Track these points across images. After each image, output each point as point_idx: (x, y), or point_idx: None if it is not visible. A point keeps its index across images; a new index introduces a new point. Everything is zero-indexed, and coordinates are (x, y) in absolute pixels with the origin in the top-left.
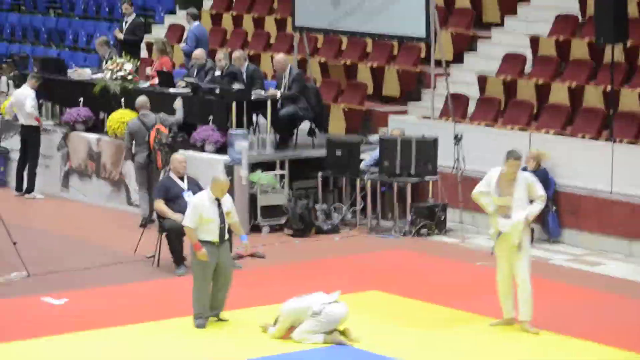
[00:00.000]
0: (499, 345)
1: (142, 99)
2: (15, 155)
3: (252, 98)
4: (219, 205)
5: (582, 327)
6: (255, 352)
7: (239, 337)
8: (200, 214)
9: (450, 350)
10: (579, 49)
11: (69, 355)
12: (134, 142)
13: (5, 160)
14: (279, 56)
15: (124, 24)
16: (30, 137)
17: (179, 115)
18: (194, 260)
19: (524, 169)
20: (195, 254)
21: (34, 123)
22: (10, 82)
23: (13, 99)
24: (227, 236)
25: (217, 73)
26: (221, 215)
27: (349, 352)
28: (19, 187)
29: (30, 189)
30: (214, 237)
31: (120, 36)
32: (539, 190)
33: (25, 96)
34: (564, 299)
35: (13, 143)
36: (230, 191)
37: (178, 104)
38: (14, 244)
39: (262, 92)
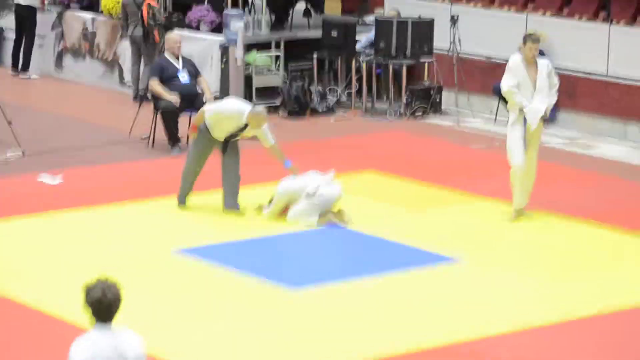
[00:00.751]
0: (494, 224)
1: None
2: (10, 35)
3: None
4: (245, 127)
5: (576, 207)
6: (249, 233)
7: (233, 217)
8: (221, 116)
9: (443, 230)
10: None
11: (65, 232)
12: (128, 18)
13: (0, 39)
14: None
15: None
16: (27, 16)
17: None
18: (192, 141)
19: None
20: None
21: (33, 3)
22: None
23: None
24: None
25: None
26: (239, 130)
27: (342, 233)
28: (14, 66)
29: (25, 68)
30: (220, 137)
31: None
32: (556, 78)
33: None
34: (558, 180)
35: (8, 22)
36: (226, 72)
37: None
38: (9, 123)
39: None
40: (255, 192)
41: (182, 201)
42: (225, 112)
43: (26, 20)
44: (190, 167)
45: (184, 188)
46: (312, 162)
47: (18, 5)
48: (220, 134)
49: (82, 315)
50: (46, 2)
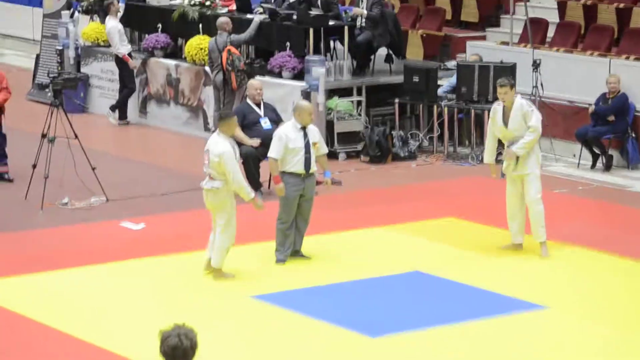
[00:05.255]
0: (577, 271)
1: (222, 19)
2: (95, 82)
3: (329, 24)
4: (305, 135)
5: None
6: (327, 279)
7: (307, 262)
8: (286, 145)
9: (525, 277)
10: None
11: (145, 278)
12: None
13: (85, 86)
14: None
15: None
16: (120, 67)
17: (247, 33)
18: (285, 192)
19: (604, 94)
20: (276, 187)
21: (118, 53)
22: (96, 17)
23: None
24: (313, 168)
25: None
26: (307, 145)
27: (423, 279)
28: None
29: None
30: (300, 168)
31: None
32: (531, 120)
33: (111, 30)
34: (635, 225)
35: (93, 69)
36: None
37: (254, 23)
38: (93, 169)
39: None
40: (333, 238)
41: (284, 260)
42: (281, 138)
43: (120, 69)
44: (284, 218)
45: (283, 242)
46: (392, 208)
47: (115, 56)
48: (294, 164)
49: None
50: (127, 53)
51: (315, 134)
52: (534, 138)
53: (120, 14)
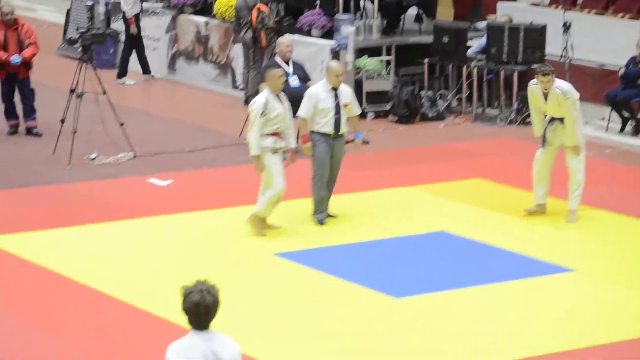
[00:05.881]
0: (603, 234)
1: None
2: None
3: None
4: (336, 95)
5: None
6: (357, 238)
7: (337, 222)
8: (316, 104)
9: (550, 239)
10: None
11: (171, 234)
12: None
13: (115, 42)
14: None
15: None
16: (126, 27)
17: None
18: (312, 149)
19: (634, 57)
20: (303, 146)
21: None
22: None
23: None
24: (343, 129)
25: None
26: (337, 106)
27: (447, 239)
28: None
29: (122, 73)
30: (330, 128)
31: None
32: (568, 108)
33: None
34: None
35: (122, 25)
36: None
37: None
38: (121, 125)
39: None
40: (359, 198)
41: (323, 221)
42: (311, 97)
43: (125, 29)
44: (318, 178)
45: (321, 201)
46: (419, 168)
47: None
48: (324, 125)
49: (179, 315)
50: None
51: (348, 94)
52: (579, 127)
53: None
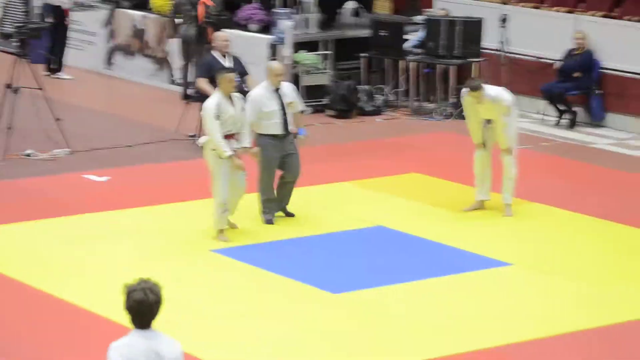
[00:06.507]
0: (536, 227)
1: None
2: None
3: None
4: (279, 96)
5: (625, 212)
6: (293, 233)
7: (275, 218)
8: (260, 108)
9: (486, 234)
10: None
11: (108, 230)
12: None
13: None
14: None
15: None
16: (61, 19)
17: None
18: (259, 153)
19: (570, 51)
20: (250, 150)
21: (61, 3)
22: None
23: None
24: (291, 127)
25: None
26: (282, 106)
27: (385, 233)
28: (48, 67)
29: (58, 69)
30: (277, 130)
31: None
32: (502, 111)
33: None
34: (607, 185)
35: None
36: None
37: None
38: (57, 120)
39: None
40: (297, 192)
41: (271, 220)
42: (254, 100)
43: (58, 22)
44: (265, 179)
45: (269, 202)
46: (356, 163)
47: (48, 5)
48: (270, 127)
49: (120, 314)
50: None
51: (290, 92)
52: (511, 130)
53: None
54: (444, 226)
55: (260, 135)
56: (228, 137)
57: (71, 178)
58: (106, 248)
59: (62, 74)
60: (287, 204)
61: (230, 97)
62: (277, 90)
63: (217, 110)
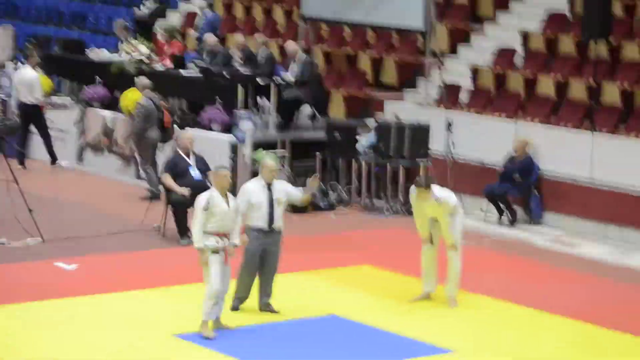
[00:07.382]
0: (484, 319)
1: (147, 80)
2: (34, 129)
3: (261, 83)
4: (269, 190)
5: (562, 306)
6: (250, 321)
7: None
8: (249, 199)
9: (435, 323)
10: (567, 45)
11: (78, 316)
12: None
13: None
14: (291, 43)
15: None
16: (33, 113)
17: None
18: (246, 246)
19: (511, 155)
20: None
21: (37, 101)
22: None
23: (16, 78)
24: (278, 223)
25: (237, 59)
26: (271, 200)
27: (337, 322)
28: (21, 162)
29: (55, 160)
30: (262, 223)
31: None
32: (447, 212)
33: (34, 80)
34: (544, 278)
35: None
36: (234, 169)
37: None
38: (30, 211)
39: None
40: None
41: (237, 307)
42: (245, 191)
43: (32, 117)
44: (244, 270)
45: (240, 292)
46: (312, 255)
47: (23, 104)
48: (257, 220)
49: None
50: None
51: (282, 190)
52: (456, 227)
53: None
54: (393, 316)
55: (247, 227)
56: (218, 234)
57: (41, 265)
58: (70, 333)
59: (60, 162)
60: (269, 299)
61: (226, 195)
62: (269, 185)
63: (208, 203)
